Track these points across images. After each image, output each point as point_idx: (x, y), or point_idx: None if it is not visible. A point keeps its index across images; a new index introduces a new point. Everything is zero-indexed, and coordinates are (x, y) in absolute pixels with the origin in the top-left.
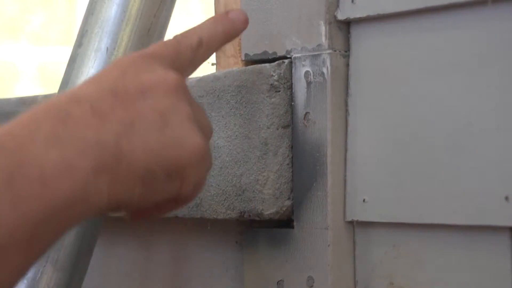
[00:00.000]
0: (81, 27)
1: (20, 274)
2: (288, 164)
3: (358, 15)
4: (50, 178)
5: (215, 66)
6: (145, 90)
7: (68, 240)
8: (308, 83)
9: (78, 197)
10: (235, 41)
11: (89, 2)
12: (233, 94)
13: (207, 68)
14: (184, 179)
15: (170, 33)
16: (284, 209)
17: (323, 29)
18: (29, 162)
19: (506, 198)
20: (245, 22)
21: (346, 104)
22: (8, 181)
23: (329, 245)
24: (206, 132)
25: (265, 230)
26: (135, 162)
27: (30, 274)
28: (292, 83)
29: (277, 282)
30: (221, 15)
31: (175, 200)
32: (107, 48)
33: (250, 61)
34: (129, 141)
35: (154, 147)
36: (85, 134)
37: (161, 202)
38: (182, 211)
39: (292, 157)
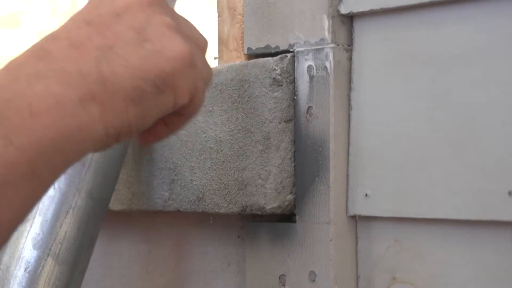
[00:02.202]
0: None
1: (22, 213)
2: (290, 158)
3: (361, 9)
4: (38, 110)
5: (217, 60)
6: (119, 12)
7: (69, 234)
8: (311, 77)
9: (70, 128)
10: (238, 35)
11: None
12: (236, 88)
13: (209, 62)
14: (176, 89)
15: None
16: (286, 203)
17: (326, 23)
18: (16, 97)
19: (510, 193)
20: None
21: (349, 99)
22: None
23: (331, 240)
24: (195, 40)
25: (267, 224)
26: (119, 82)
27: (31, 267)
28: (294, 77)
29: (279, 277)
30: None
31: (178, 114)
32: None
33: (253, 55)
34: (109, 63)
35: (135, 63)
36: (65, 66)
37: (166, 119)
38: (184, 205)
39: (294, 152)
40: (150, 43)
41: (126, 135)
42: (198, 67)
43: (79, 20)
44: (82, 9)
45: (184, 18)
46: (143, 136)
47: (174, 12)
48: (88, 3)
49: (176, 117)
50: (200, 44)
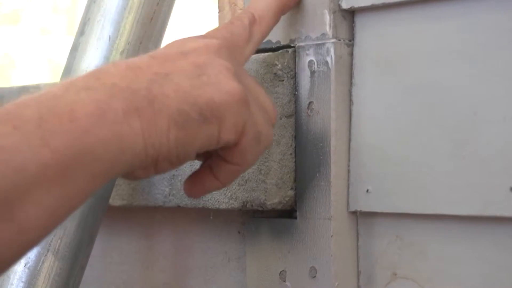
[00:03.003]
0: (83, 16)
1: (53, 217)
2: (291, 154)
3: (362, 4)
4: (80, 115)
5: None
6: (186, 52)
7: (69, 229)
8: (312, 73)
9: (109, 136)
10: None
11: None
12: None
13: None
14: (222, 121)
15: (172, 21)
16: (287, 199)
17: (327, 18)
18: (61, 104)
19: (511, 189)
20: None
21: (350, 94)
22: (39, 119)
23: (332, 236)
24: (261, 103)
25: (268, 220)
26: (167, 103)
27: (31, 263)
28: (295, 73)
29: (280, 273)
30: None
31: (226, 161)
32: (110, 36)
33: None
34: (160, 86)
35: (186, 89)
36: (116, 82)
37: (214, 168)
38: (184, 201)
39: (295, 147)
40: (206, 76)
41: (164, 161)
42: (251, 110)
43: (145, 55)
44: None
45: (256, 85)
46: (190, 186)
47: (243, 69)
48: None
49: (224, 164)
50: (265, 107)
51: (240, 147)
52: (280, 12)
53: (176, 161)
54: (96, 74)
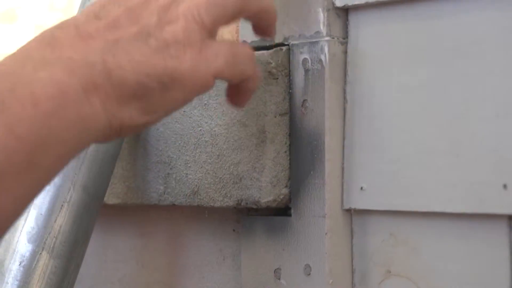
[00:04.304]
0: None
1: (23, 203)
2: (285, 151)
3: (356, 1)
4: (41, 98)
5: None
6: (130, 7)
7: (64, 228)
8: (306, 71)
9: (72, 117)
10: (233, 28)
11: None
12: None
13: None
14: (184, 86)
15: None
16: (281, 197)
17: (321, 16)
18: (20, 85)
19: (504, 186)
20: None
21: (344, 92)
22: (1, 104)
23: (326, 233)
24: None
25: (263, 218)
26: (124, 75)
27: (26, 261)
28: (290, 71)
29: (274, 270)
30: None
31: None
32: None
33: None
34: (114, 56)
35: (140, 59)
36: (72, 55)
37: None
38: (179, 199)
39: (289, 145)
40: (154, 38)
41: (129, 129)
42: (212, 47)
43: (89, 14)
44: (94, 3)
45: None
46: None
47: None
48: None
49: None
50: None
51: (234, 74)
52: None
53: (142, 127)
54: (51, 43)
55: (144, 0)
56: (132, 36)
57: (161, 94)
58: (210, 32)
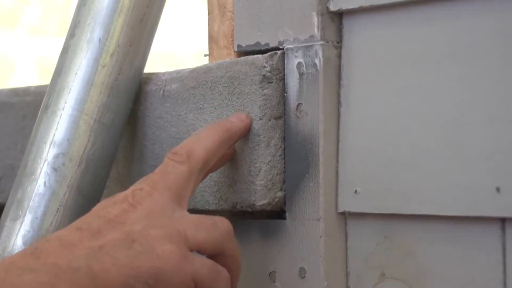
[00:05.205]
0: (73, 18)
1: None
2: (280, 155)
3: (350, 6)
4: None
5: (207, 57)
6: (110, 219)
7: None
8: (301, 74)
9: None
10: (228, 32)
11: None
12: (226, 85)
13: (200, 59)
14: (169, 285)
15: (162, 23)
16: (276, 200)
17: (315, 20)
18: (5, 286)
19: (497, 189)
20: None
21: (339, 95)
22: None
23: (321, 236)
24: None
25: (257, 221)
26: (110, 278)
27: None
28: (284, 74)
29: (269, 274)
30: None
31: None
32: (100, 38)
33: (243, 52)
34: (99, 261)
35: (124, 261)
36: (56, 261)
37: None
38: None
39: (284, 148)
40: (138, 243)
41: None
42: (193, 260)
43: (72, 226)
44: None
45: (197, 222)
46: None
47: (183, 212)
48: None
49: None
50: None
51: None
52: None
53: None
54: (34, 253)
55: (123, 210)
56: (117, 242)
57: None
58: (192, 248)
